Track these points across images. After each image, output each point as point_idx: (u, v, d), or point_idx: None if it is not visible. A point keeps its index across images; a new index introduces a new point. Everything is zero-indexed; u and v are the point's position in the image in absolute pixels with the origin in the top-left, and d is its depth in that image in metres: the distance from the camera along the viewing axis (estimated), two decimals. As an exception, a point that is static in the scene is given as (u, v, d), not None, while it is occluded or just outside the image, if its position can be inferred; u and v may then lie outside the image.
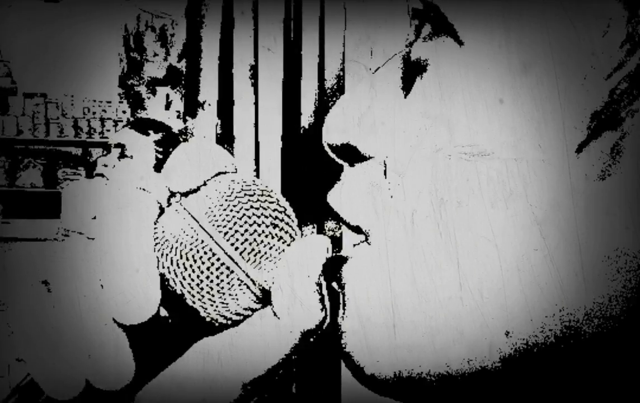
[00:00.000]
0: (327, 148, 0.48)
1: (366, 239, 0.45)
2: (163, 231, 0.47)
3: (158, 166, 0.51)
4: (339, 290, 0.46)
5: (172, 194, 0.48)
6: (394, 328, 0.43)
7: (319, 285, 0.46)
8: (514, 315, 0.41)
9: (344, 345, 0.46)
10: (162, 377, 0.46)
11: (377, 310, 0.44)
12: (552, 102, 0.40)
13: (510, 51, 0.41)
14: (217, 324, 0.47)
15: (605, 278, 0.40)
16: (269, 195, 0.48)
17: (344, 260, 0.47)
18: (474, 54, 0.42)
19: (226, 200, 0.47)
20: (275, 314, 0.46)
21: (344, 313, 0.46)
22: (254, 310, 0.47)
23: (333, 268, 0.47)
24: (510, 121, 0.41)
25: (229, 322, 0.47)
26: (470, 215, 0.41)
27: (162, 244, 0.47)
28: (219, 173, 0.49)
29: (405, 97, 0.45)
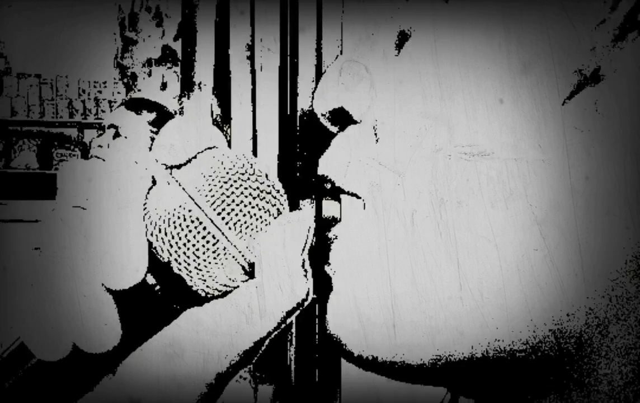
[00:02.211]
0: (318, 114, 0.48)
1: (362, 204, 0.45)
2: (153, 201, 0.48)
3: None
4: (329, 242, 0.46)
5: (166, 167, 0.49)
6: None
7: (303, 259, 0.47)
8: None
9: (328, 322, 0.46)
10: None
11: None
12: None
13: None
14: (203, 293, 0.48)
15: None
16: (258, 170, 0.49)
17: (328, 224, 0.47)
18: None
19: (215, 171, 0.48)
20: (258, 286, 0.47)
21: (333, 282, 0.46)
22: (241, 281, 0.48)
23: (321, 229, 0.47)
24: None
25: (216, 292, 0.48)
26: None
27: (150, 213, 0.48)
28: (210, 148, 0.49)
29: (397, 55, 0.45)
